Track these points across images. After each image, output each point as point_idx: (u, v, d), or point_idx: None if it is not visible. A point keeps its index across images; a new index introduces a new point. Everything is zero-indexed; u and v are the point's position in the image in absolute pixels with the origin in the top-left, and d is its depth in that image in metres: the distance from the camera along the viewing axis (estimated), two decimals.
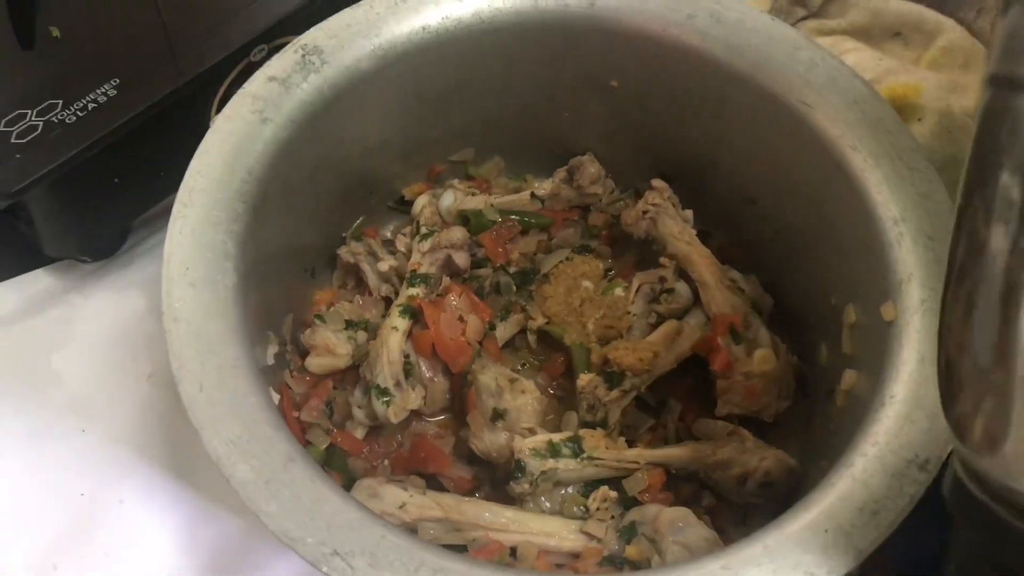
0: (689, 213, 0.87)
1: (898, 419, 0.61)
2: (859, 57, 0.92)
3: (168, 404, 0.83)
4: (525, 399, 0.76)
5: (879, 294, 0.68)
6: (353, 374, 0.80)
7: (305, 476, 0.58)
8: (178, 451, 0.81)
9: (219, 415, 0.59)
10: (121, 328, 0.87)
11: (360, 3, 0.77)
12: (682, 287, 0.83)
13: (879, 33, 0.99)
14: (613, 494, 0.74)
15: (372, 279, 0.84)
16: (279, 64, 0.74)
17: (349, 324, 0.81)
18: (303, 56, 0.74)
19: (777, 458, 0.74)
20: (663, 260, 0.84)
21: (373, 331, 0.80)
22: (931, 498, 0.58)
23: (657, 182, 0.87)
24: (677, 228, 0.85)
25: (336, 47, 0.75)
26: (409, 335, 0.79)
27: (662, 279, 0.84)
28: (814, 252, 0.79)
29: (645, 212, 0.86)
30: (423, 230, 0.84)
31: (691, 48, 0.78)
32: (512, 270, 0.86)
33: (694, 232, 0.85)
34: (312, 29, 0.76)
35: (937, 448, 0.59)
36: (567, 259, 0.87)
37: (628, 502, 0.74)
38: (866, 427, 0.61)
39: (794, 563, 0.55)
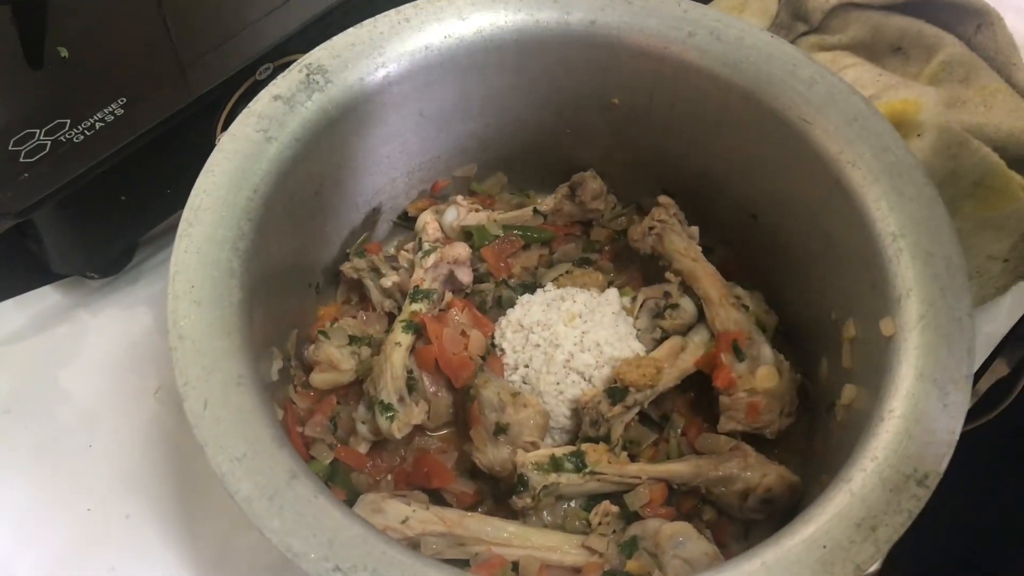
0: (695, 230, 0.87)
1: (897, 434, 0.61)
2: (858, 73, 0.93)
3: (174, 420, 0.84)
4: (527, 413, 0.76)
5: (878, 309, 0.68)
6: (357, 389, 0.81)
7: (308, 492, 0.58)
8: (184, 466, 0.82)
9: (223, 432, 0.60)
10: (128, 344, 0.88)
11: (364, 23, 0.78)
12: (687, 303, 0.84)
13: (880, 48, 1.00)
14: (615, 508, 0.74)
15: (375, 295, 0.85)
16: (284, 83, 0.75)
17: (353, 339, 0.81)
18: (307, 75, 0.75)
19: (779, 474, 0.74)
20: (668, 276, 0.85)
21: (376, 346, 0.81)
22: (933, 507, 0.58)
23: (664, 198, 0.88)
24: (683, 244, 0.85)
25: (340, 66, 0.76)
26: (412, 350, 0.79)
27: (667, 294, 0.84)
28: (815, 267, 0.79)
29: (651, 228, 0.86)
30: (426, 246, 0.85)
31: (691, 65, 0.79)
32: (514, 283, 0.87)
33: (700, 249, 0.86)
34: (316, 49, 0.77)
35: (936, 463, 0.60)
36: (567, 272, 0.88)
37: (630, 516, 0.74)
38: (865, 442, 0.62)
39: None
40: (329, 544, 0.56)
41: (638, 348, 0.82)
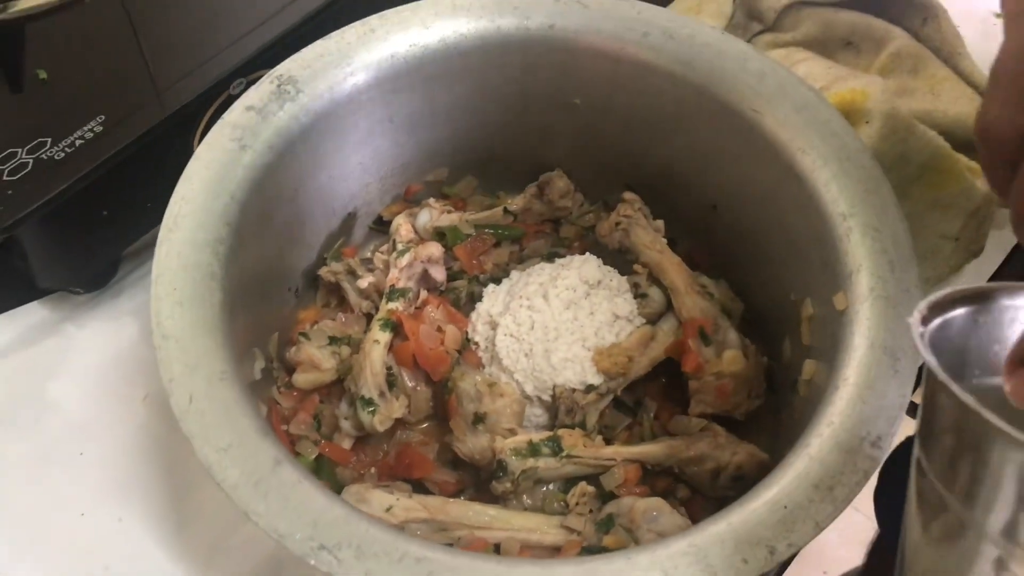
0: (660, 223, 0.90)
1: (851, 400, 0.64)
2: (810, 67, 0.97)
3: (162, 424, 0.86)
4: (504, 402, 0.79)
5: (832, 286, 0.71)
6: (339, 388, 0.83)
7: (292, 478, 0.61)
8: (173, 468, 0.84)
9: (209, 424, 0.62)
10: (115, 354, 0.90)
11: (331, 35, 0.81)
12: (655, 292, 0.87)
13: (832, 43, 1.04)
14: (591, 489, 0.76)
15: (352, 296, 0.87)
16: (256, 94, 0.78)
17: (333, 340, 0.84)
18: (279, 86, 0.78)
19: (748, 452, 0.77)
20: (636, 268, 0.88)
21: (356, 346, 0.83)
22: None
23: (628, 195, 0.91)
24: (649, 238, 0.89)
25: (310, 76, 0.79)
26: (391, 347, 0.82)
27: (636, 285, 0.87)
28: (773, 252, 0.83)
29: (618, 223, 0.90)
30: (400, 246, 0.87)
31: (647, 64, 0.83)
32: (484, 279, 0.90)
33: (665, 241, 0.89)
34: (287, 60, 0.80)
35: (887, 426, 0.63)
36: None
37: (606, 496, 0.77)
38: (822, 410, 0.65)
39: (757, 538, 0.58)
40: (314, 524, 0.58)
41: (609, 337, 0.84)
